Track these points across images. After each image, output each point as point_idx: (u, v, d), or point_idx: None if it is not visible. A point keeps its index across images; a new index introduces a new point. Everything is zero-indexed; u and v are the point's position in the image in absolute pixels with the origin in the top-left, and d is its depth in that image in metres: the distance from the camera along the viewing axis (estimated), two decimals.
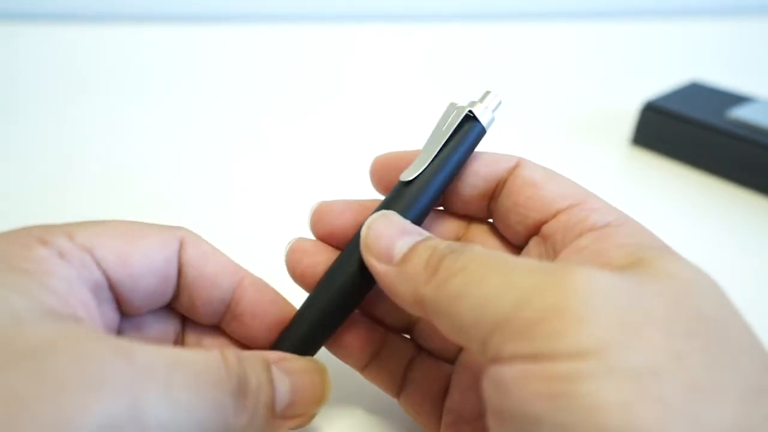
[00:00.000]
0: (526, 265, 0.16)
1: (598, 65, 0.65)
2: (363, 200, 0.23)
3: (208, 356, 0.17)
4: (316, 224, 0.23)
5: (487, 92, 0.22)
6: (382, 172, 0.23)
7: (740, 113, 0.42)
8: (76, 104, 0.51)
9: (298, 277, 0.23)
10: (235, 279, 0.21)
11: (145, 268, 0.19)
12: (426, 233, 0.19)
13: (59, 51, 0.62)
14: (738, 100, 0.45)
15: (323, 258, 0.22)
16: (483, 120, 0.22)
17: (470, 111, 0.22)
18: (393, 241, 0.19)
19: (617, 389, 0.13)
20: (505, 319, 0.15)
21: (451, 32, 0.74)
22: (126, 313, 0.20)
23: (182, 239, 0.21)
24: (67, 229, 0.18)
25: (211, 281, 0.21)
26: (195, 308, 0.21)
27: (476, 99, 0.22)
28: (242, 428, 0.17)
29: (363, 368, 0.23)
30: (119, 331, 0.20)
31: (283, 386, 0.19)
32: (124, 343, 0.16)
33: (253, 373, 0.18)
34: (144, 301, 0.20)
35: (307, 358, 0.21)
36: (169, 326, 0.22)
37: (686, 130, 0.43)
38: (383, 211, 0.20)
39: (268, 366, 0.19)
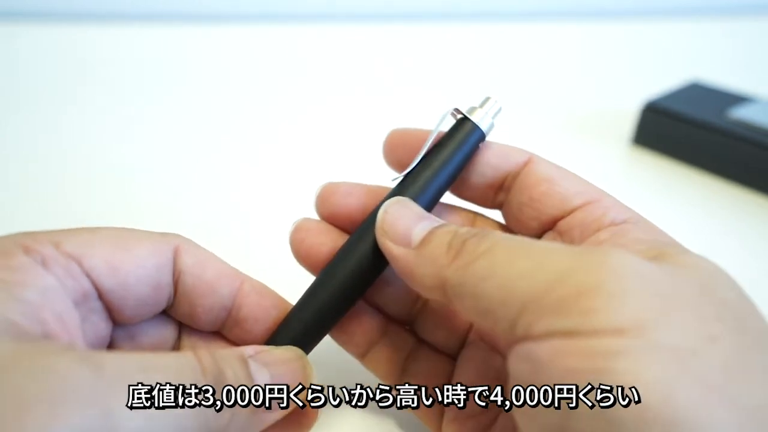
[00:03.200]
0: (556, 247, 0.16)
1: (598, 65, 0.65)
2: (369, 185, 0.23)
3: (182, 358, 0.16)
4: (321, 204, 0.23)
5: (487, 98, 0.22)
6: (395, 146, 0.24)
7: (740, 113, 0.42)
8: (75, 104, 0.51)
9: (302, 256, 0.23)
10: (234, 284, 0.21)
11: (136, 276, 0.19)
12: (441, 220, 0.20)
13: (59, 51, 0.62)
14: (738, 100, 0.45)
15: (327, 238, 0.22)
16: (482, 125, 0.22)
17: (457, 111, 0.22)
18: (410, 225, 0.19)
19: (658, 366, 0.13)
20: (537, 297, 0.15)
21: (451, 32, 0.74)
22: (118, 322, 0.20)
23: (177, 247, 0.20)
24: (56, 238, 0.18)
25: (211, 288, 0.20)
26: (196, 316, 0.21)
27: (476, 105, 0.22)
28: (224, 428, 0.17)
29: (363, 356, 0.23)
30: (112, 341, 0.20)
31: (262, 379, 0.18)
32: (91, 353, 0.15)
33: (230, 370, 0.17)
34: (136, 310, 0.20)
35: (286, 348, 0.20)
36: (165, 334, 0.21)
37: (686, 130, 0.43)
38: (398, 198, 0.21)
39: (244, 361, 0.18)
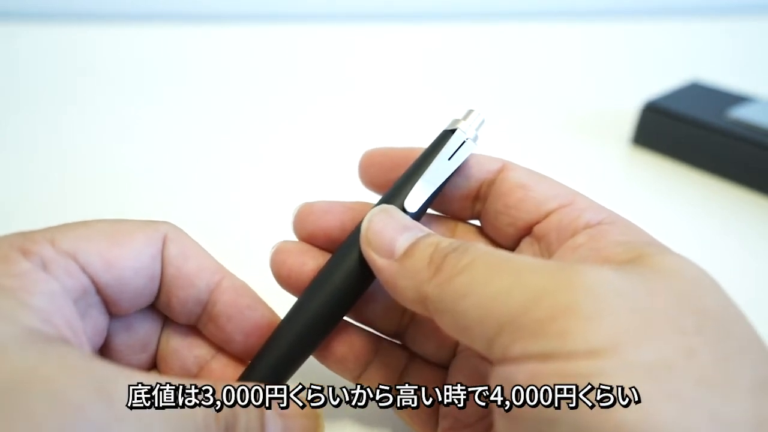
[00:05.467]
0: (533, 264, 0.16)
1: (598, 65, 0.65)
2: (347, 201, 0.23)
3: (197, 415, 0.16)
4: (299, 225, 0.23)
5: (471, 111, 0.22)
6: (370, 169, 0.24)
7: (740, 113, 0.42)
8: (75, 104, 0.51)
9: (283, 279, 0.22)
10: (213, 279, 0.21)
11: (131, 270, 0.19)
12: (426, 230, 0.19)
13: (59, 51, 0.62)
14: (738, 100, 0.45)
15: (308, 259, 0.22)
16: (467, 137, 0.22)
17: (467, 137, 0.22)
18: (394, 235, 0.19)
19: (632, 385, 0.13)
20: (512, 318, 0.15)
21: (451, 32, 0.74)
22: (115, 314, 0.20)
23: (165, 235, 0.20)
24: (50, 235, 0.18)
25: (189, 280, 0.20)
26: (171, 307, 0.21)
27: (460, 117, 0.22)
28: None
29: (357, 378, 0.23)
30: (109, 333, 0.20)
31: (274, 429, 0.18)
32: (107, 381, 0.15)
33: (244, 415, 0.17)
34: (133, 301, 0.20)
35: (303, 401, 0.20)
36: (156, 325, 0.21)
37: (686, 130, 0.43)
38: (383, 206, 0.20)
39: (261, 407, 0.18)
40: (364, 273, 0.20)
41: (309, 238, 0.23)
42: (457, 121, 0.22)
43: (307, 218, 0.23)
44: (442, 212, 0.24)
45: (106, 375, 0.15)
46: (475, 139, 0.22)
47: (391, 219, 0.19)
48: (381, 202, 0.22)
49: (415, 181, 0.21)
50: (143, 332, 0.21)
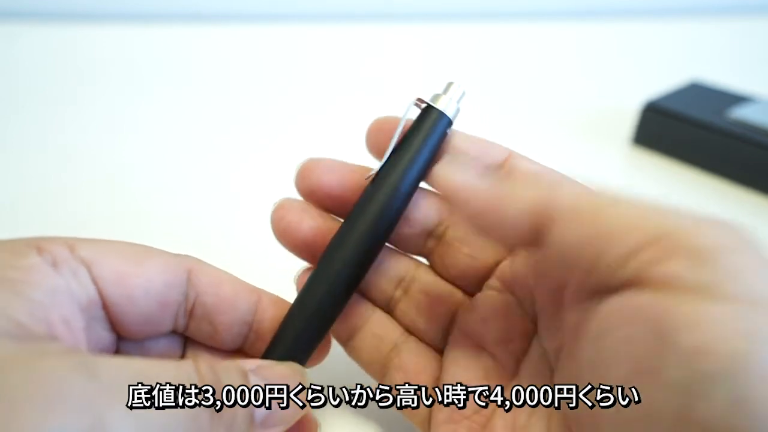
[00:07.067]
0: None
1: (598, 65, 0.65)
2: (351, 163, 0.23)
3: (181, 368, 0.16)
4: (301, 180, 0.23)
5: (450, 83, 0.23)
6: (375, 132, 0.24)
7: (740, 113, 0.42)
8: (75, 104, 0.51)
9: (281, 233, 0.22)
10: (252, 299, 0.21)
11: (143, 290, 0.19)
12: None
13: (59, 51, 0.62)
14: (738, 100, 0.45)
15: (306, 217, 0.22)
16: (448, 111, 0.22)
17: (420, 100, 0.22)
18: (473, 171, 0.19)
19: None
20: (670, 233, 0.13)
21: (451, 32, 0.74)
22: (122, 335, 0.19)
23: (191, 269, 0.20)
24: (71, 242, 0.18)
25: (230, 305, 0.20)
26: (217, 334, 0.21)
27: (440, 92, 0.22)
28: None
29: (346, 343, 0.23)
30: (118, 350, 0.20)
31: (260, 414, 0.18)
32: (89, 358, 0.15)
33: (228, 383, 0.17)
34: (140, 326, 0.19)
35: (287, 363, 0.20)
36: (176, 345, 0.21)
37: (686, 130, 0.43)
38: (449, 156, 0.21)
39: (245, 375, 0.18)
40: (374, 242, 0.21)
41: (310, 194, 0.23)
42: (437, 96, 0.22)
43: (310, 174, 0.23)
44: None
45: (88, 357, 0.15)
46: (457, 111, 0.22)
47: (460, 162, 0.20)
48: (379, 170, 0.22)
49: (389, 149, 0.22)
50: (158, 354, 0.21)
